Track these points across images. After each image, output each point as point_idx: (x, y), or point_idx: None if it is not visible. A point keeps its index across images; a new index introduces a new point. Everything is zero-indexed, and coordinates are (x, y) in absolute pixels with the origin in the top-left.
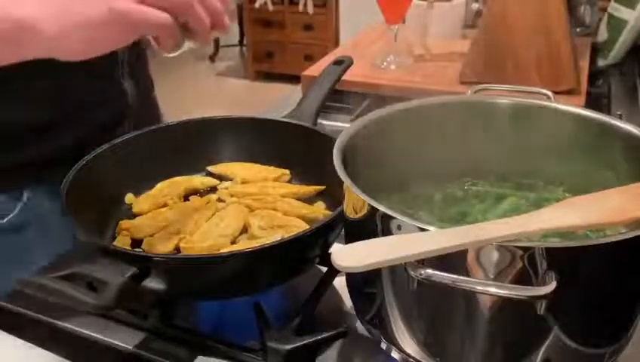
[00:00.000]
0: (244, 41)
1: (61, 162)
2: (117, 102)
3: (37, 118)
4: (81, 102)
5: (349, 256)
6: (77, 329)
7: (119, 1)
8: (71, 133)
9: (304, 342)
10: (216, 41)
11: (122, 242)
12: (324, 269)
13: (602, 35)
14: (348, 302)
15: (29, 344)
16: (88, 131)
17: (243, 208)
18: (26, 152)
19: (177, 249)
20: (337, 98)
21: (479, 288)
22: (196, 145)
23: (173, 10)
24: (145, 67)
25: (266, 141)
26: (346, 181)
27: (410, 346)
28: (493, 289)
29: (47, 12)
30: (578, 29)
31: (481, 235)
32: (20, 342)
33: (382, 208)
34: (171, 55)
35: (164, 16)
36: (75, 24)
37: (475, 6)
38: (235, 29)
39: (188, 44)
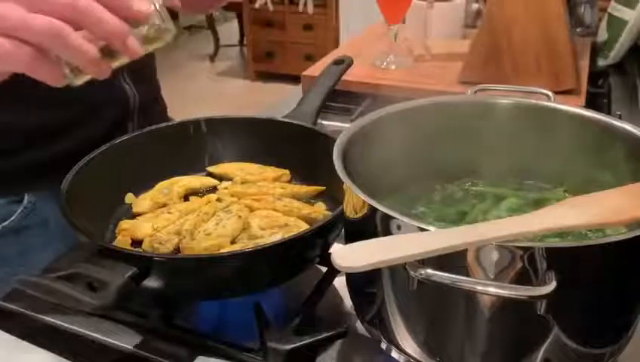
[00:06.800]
0: (244, 41)
1: (62, 166)
2: (118, 108)
3: (37, 123)
4: (82, 107)
5: (349, 256)
6: (77, 329)
7: None
8: (72, 138)
9: (304, 342)
10: (216, 41)
11: (122, 242)
12: (324, 269)
13: (602, 35)
14: (348, 302)
15: (29, 344)
16: (89, 136)
17: (243, 208)
18: (27, 156)
19: (177, 249)
20: (337, 98)
21: (479, 288)
22: (196, 145)
23: (42, 44)
24: (151, 73)
25: (266, 141)
26: (346, 181)
27: (410, 346)
28: (493, 289)
29: None
30: (578, 29)
31: (481, 235)
32: (20, 341)
33: (382, 208)
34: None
35: (23, 52)
36: None
37: (475, 6)
38: (235, 29)
39: (82, 78)
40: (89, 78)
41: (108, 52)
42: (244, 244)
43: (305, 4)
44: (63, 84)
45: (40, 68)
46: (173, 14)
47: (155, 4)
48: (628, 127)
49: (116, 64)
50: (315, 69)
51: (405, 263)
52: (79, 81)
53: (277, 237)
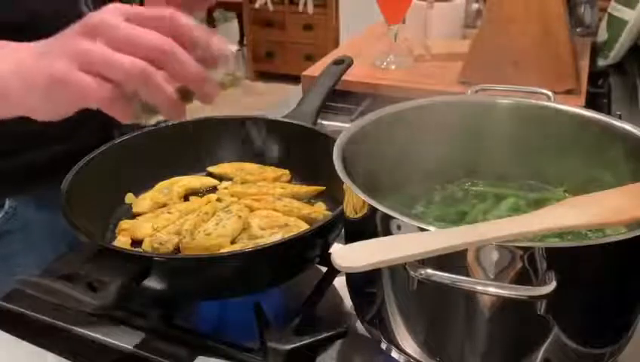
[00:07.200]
0: (244, 41)
1: (44, 172)
2: (103, 116)
3: (19, 130)
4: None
5: (349, 256)
6: (77, 329)
7: (60, 66)
8: (54, 146)
9: (304, 342)
10: None
11: (122, 242)
12: (324, 269)
13: (602, 35)
14: (348, 302)
15: (29, 344)
16: (72, 143)
17: (243, 208)
18: (9, 162)
19: (177, 249)
20: (337, 98)
21: (479, 288)
22: (196, 145)
23: (123, 82)
24: None
25: (266, 141)
26: (346, 181)
27: (410, 346)
28: (493, 290)
29: (7, 68)
30: (578, 29)
31: (481, 235)
32: (20, 341)
33: (382, 208)
34: (137, 122)
35: (104, 89)
36: (29, 85)
37: (475, 6)
38: (235, 29)
39: (154, 117)
40: (160, 118)
41: (182, 94)
42: (244, 244)
43: (305, 4)
44: (134, 122)
45: (115, 104)
46: None
47: (231, 51)
48: (628, 127)
49: (187, 106)
50: (315, 69)
51: (405, 263)
52: (151, 121)
53: (277, 237)
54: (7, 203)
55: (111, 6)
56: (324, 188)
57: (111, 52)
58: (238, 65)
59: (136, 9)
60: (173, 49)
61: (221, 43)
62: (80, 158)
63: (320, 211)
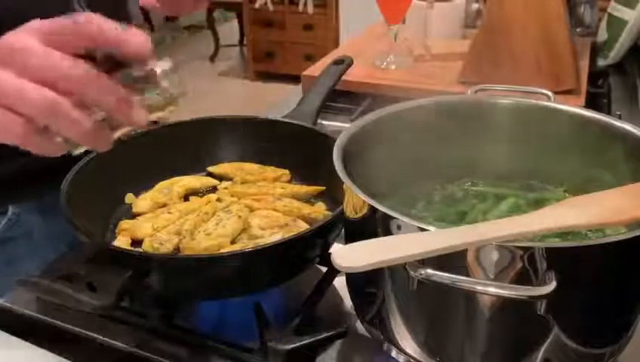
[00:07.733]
0: (244, 41)
1: (46, 178)
2: None
3: None
4: None
5: (349, 256)
6: (77, 329)
7: None
8: None
9: (304, 342)
10: (216, 41)
11: (122, 242)
12: (324, 269)
13: (602, 35)
14: (348, 302)
15: (29, 344)
16: None
17: (243, 208)
18: (11, 168)
19: (177, 249)
20: (337, 98)
21: (479, 288)
22: (196, 145)
23: (34, 116)
24: None
25: (266, 141)
26: (346, 181)
27: (410, 346)
28: (493, 290)
29: None
30: (578, 29)
31: (481, 235)
32: (20, 342)
33: (382, 208)
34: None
35: (15, 125)
36: None
37: (475, 6)
38: (235, 29)
39: (80, 147)
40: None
41: (108, 122)
42: (244, 244)
43: (305, 4)
44: (61, 154)
45: (31, 140)
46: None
47: (163, 67)
48: (628, 127)
49: (118, 134)
50: (315, 69)
51: (405, 263)
52: (78, 151)
53: (277, 237)
54: (11, 209)
55: (32, 23)
56: (324, 188)
57: (20, 83)
58: (174, 82)
59: (53, 24)
60: (88, 76)
61: (141, 42)
62: (79, 160)
63: (320, 211)
